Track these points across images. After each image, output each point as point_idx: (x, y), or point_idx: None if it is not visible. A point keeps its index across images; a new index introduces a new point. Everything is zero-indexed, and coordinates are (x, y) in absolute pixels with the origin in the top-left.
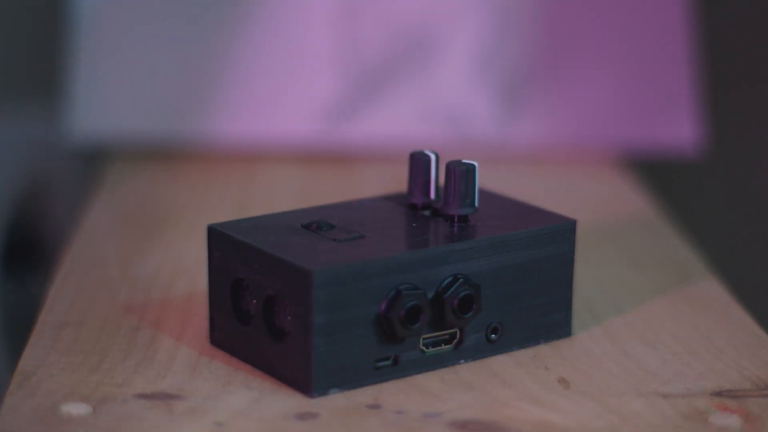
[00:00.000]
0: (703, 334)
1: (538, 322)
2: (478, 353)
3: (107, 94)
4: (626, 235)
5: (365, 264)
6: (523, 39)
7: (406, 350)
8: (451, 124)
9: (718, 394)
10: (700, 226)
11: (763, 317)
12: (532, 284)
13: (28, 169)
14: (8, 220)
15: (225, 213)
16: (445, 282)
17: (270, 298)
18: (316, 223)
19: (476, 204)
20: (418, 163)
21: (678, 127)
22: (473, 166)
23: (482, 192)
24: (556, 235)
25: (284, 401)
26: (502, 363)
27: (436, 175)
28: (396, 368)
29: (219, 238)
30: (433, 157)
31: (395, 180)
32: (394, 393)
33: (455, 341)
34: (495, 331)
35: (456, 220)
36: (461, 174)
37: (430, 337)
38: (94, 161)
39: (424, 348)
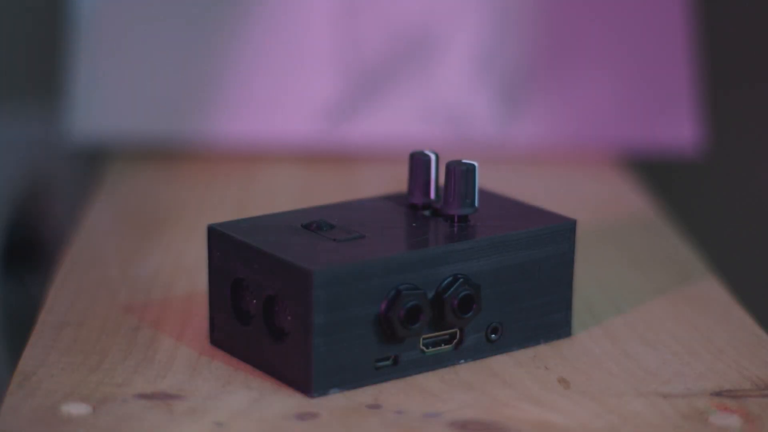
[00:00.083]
0: (703, 334)
1: (538, 322)
2: (478, 353)
3: (107, 94)
4: (626, 235)
5: (365, 264)
6: (523, 39)
7: (406, 350)
8: (451, 124)
9: (718, 394)
10: (700, 226)
11: (763, 317)
12: (532, 284)
13: (28, 169)
14: (8, 220)
15: (225, 213)
16: (445, 282)
17: (270, 298)
18: (316, 223)
19: (476, 204)
20: (418, 163)
21: (678, 127)
22: (473, 166)
23: (482, 192)
24: (556, 235)
25: (284, 401)
26: (502, 363)
27: (436, 175)
28: (396, 368)
29: (219, 238)
30: (433, 157)
31: (395, 180)
32: (394, 393)
33: (455, 341)
34: (495, 331)
35: (456, 220)
36: (461, 174)
37: (430, 337)
38: (94, 161)
39: (424, 348)
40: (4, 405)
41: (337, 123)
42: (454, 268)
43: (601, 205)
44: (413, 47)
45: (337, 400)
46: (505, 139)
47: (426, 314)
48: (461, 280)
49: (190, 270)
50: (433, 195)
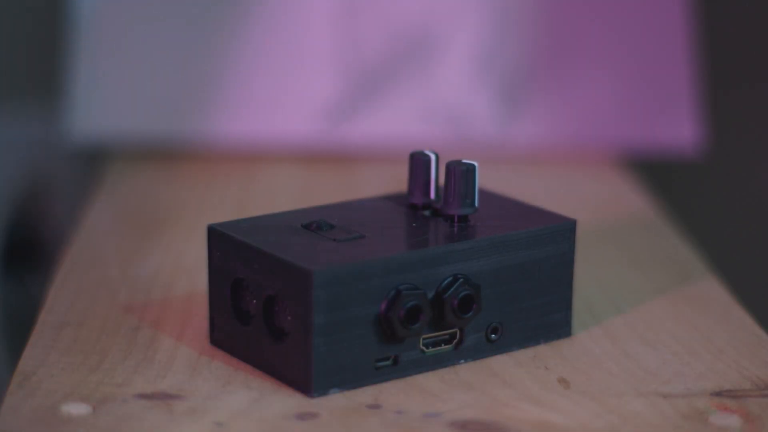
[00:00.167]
0: (703, 334)
1: (538, 322)
2: (478, 353)
3: (107, 94)
4: (626, 235)
5: (365, 264)
6: (523, 39)
7: (406, 350)
8: (451, 124)
9: (718, 394)
10: (700, 226)
11: (763, 317)
12: (532, 284)
13: (28, 169)
14: (8, 220)
15: (225, 213)
16: (445, 282)
17: (270, 298)
18: (316, 223)
19: (476, 204)
20: (418, 163)
21: (678, 127)
22: (473, 166)
23: (482, 192)
24: (556, 235)
25: (284, 401)
26: (502, 363)
27: (436, 175)
28: (396, 368)
29: (219, 238)
30: (433, 157)
31: (395, 180)
32: (394, 393)
33: (455, 341)
34: (495, 331)
35: (456, 220)
36: (461, 174)
37: (430, 337)
38: (94, 161)
39: (424, 348)
40: (4, 405)
41: (337, 123)
42: (454, 268)
43: (601, 205)
44: (413, 47)
45: (337, 400)
46: (505, 139)
47: (426, 314)
48: (461, 280)
49: (190, 270)
50: (433, 195)
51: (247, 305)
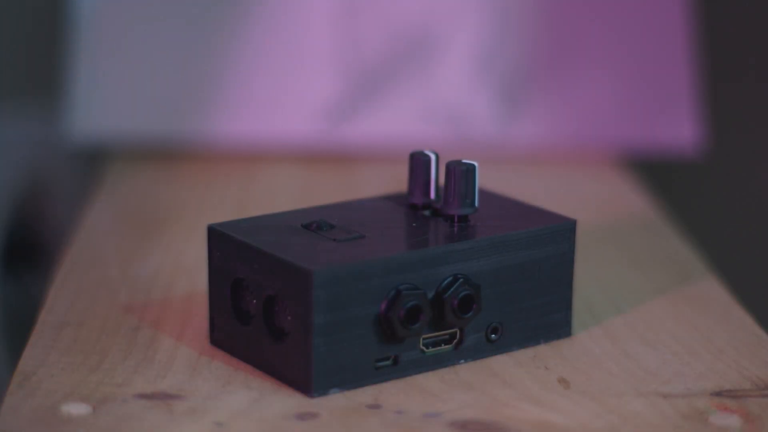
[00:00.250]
0: (703, 334)
1: (538, 322)
2: (478, 353)
3: (107, 94)
4: (626, 235)
5: (365, 264)
6: (523, 39)
7: (406, 350)
8: (451, 124)
9: (718, 394)
10: (700, 226)
11: (763, 317)
12: (532, 284)
13: (28, 169)
14: (8, 220)
15: (225, 213)
16: (445, 282)
17: (270, 298)
18: (316, 223)
19: (476, 204)
20: (418, 163)
21: (678, 127)
22: (473, 166)
23: (482, 192)
24: (556, 235)
25: (284, 401)
26: (502, 363)
27: (436, 175)
28: (396, 368)
29: (219, 238)
30: (433, 157)
31: (395, 180)
32: (394, 393)
33: (455, 341)
34: (495, 331)
35: (456, 220)
36: (461, 174)
37: (430, 337)
38: (94, 161)
39: (424, 348)
40: (4, 405)
41: (337, 123)
42: (454, 268)
43: (601, 205)
44: (413, 47)
45: (337, 400)
46: (505, 139)
47: (426, 314)
48: (461, 280)
49: (190, 270)
50: (433, 195)
51: (247, 305)
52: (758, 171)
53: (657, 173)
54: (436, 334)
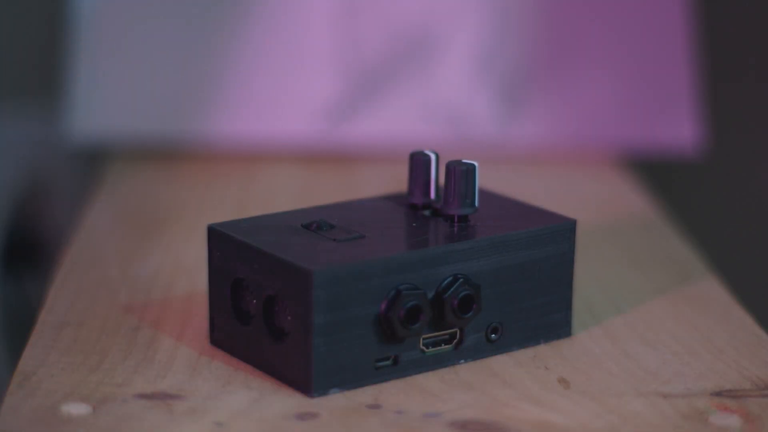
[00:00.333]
0: (703, 334)
1: (538, 322)
2: (478, 353)
3: (107, 94)
4: (626, 235)
5: (365, 264)
6: (523, 39)
7: (406, 350)
8: (451, 124)
9: (718, 394)
10: (700, 226)
11: (763, 317)
12: (532, 284)
13: (28, 169)
14: (8, 220)
15: (225, 213)
16: (445, 282)
17: (270, 298)
18: (316, 223)
19: (476, 204)
20: (418, 163)
21: (678, 127)
22: (473, 166)
23: (482, 192)
24: (556, 235)
25: (284, 401)
26: (502, 363)
27: (436, 175)
28: (396, 368)
29: (219, 238)
30: (433, 157)
31: (395, 180)
32: (394, 393)
33: (455, 341)
34: (495, 331)
35: (456, 220)
36: (461, 174)
37: (430, 337)
38: (94, 161)
39: (424, 348)
40: (4, 405)
41: (337, 123)
42: (454, 268)
43: (601, 205)
44: (413, 47)
45: (337, 400)
46: (505, 139)
47: (426, 314)
48: (461, 280)
49: (190, 270)
50: (433, 195)
51: (247, 305)
52: (758, 171)
53: (657, 173)
54: (436, 334)
